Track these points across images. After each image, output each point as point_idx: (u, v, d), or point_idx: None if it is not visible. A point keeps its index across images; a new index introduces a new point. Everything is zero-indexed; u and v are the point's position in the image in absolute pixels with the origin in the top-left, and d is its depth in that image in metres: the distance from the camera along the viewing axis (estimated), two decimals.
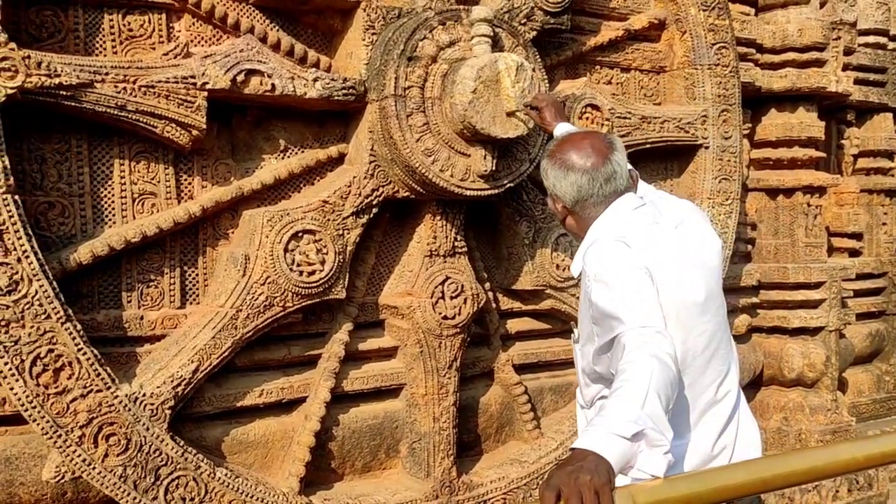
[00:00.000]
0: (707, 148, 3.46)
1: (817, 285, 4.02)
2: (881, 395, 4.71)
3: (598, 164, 1.82)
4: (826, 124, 4.18)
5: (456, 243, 2.85)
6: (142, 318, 2.47)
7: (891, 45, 4.64)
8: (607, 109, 3.17)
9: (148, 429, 2.30)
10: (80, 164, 2.37)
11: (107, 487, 2.25)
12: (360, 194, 2.62)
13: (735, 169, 3.51)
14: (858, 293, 4.53)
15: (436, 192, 2.68)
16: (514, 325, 3.17)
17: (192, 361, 2.38)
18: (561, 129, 2.38)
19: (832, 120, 4.56)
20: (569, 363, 3.28)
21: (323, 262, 2.55)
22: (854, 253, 4.67)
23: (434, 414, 2.81)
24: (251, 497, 2.48)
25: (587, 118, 3.13)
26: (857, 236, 4.66)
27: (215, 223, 2.59)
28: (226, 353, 2.44)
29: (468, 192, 2.66)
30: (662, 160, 3.56)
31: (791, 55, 3.89)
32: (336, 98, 2.56)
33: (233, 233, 2.61)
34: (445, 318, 2.79)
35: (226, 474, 2.45)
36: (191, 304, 2.57)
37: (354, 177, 2.62)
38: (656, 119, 3.34)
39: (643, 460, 1.34)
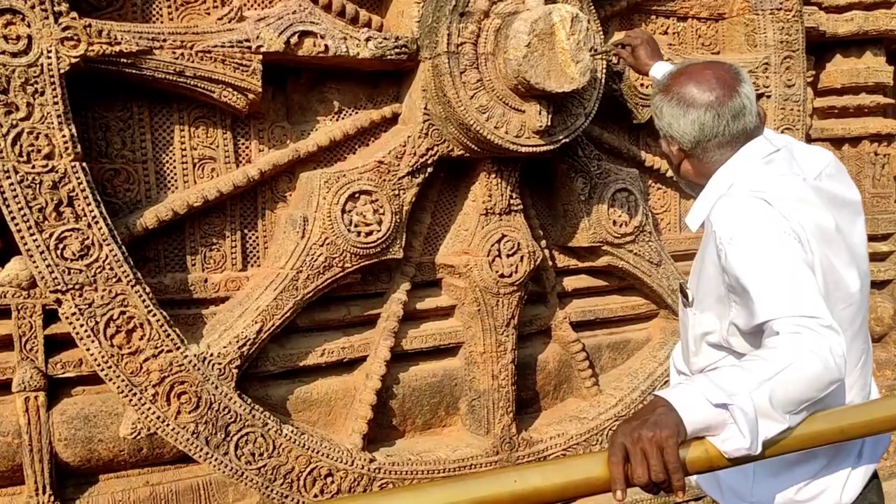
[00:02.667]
0: (769, 97, 3.33)
1: (885, 237, 3.88)
2: None
3: (725, 98, 1.56)
4: (895, 69, 3.99)
5: (511, 201, 2.83)
6: (206, 280, 2.53)
7: None
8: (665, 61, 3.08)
9: (216, 387, 2.37)
10: (143, 131, 2.42)
11: (181, 443, 2.34)
12: (414, 154, 2.61)
13: (799, 118, 3.38)
14: None
15: (491, 150, 2.66)
16: (570, 283, 3.14)
17: (256, 322, 2.44)
18: (659, 68, 2.23)
19: None
20: (627, 320, 3.26)
21: (380, 223, 2.56)
22: None
23: (493, 371, 2.83)
24: (317, 453, 2.55)
25: None
26: None
27: (273, 186, 2.62)
28: (288, 314, 2.49)
29: (523, 149, 2.63)
30: None
31: None
32: (389, 57, 2.54)
33: (290, 195, 2.64)
34: (502, 276, 2.79)
35: (292, 431, 2.51)
36: (252, 266, 2.62)
37: (409, 136, 2.62)
38: None
39: (727, 434, 1.20)
